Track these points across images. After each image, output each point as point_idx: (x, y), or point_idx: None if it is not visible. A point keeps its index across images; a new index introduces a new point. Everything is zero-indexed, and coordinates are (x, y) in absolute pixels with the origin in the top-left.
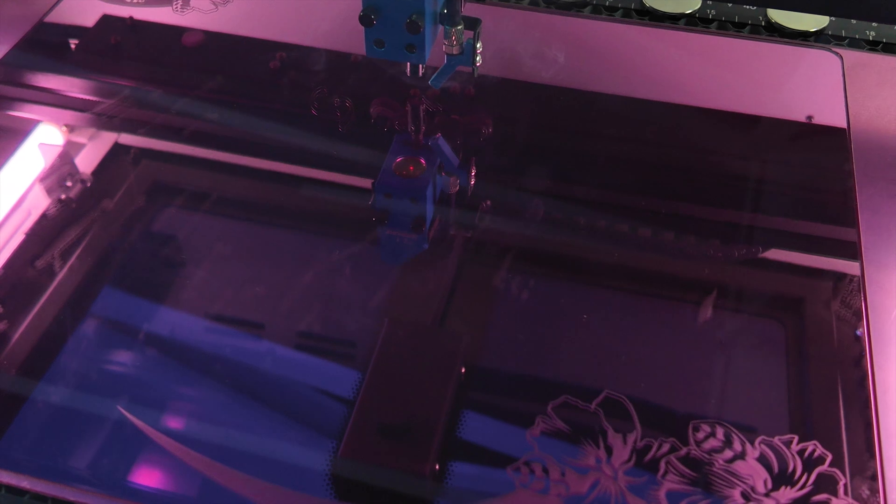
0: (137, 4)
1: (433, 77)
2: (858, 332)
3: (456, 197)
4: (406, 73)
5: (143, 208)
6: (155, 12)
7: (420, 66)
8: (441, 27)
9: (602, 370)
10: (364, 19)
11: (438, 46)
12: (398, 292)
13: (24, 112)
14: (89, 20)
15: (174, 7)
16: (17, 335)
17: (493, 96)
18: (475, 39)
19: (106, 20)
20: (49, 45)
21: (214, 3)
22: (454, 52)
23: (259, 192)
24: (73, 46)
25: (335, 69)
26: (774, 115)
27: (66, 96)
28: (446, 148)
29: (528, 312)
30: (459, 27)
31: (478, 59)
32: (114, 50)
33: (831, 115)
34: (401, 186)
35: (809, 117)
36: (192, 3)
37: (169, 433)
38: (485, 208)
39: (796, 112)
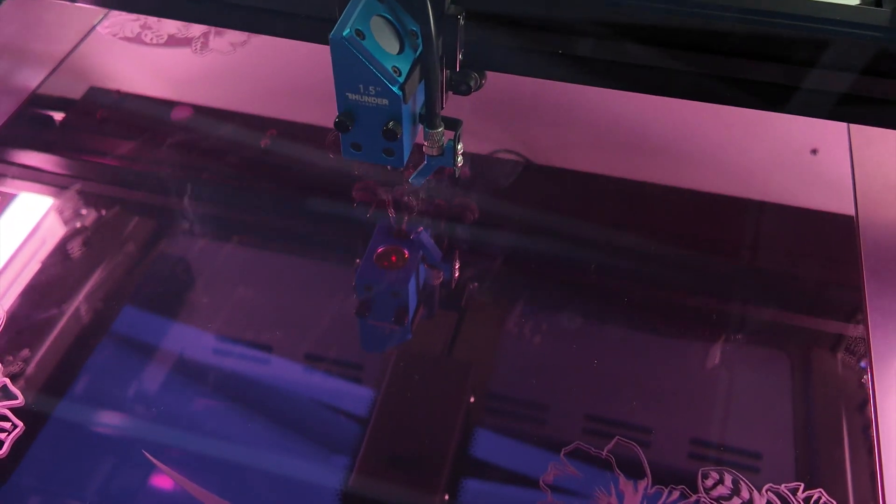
0: (157, 45)
1: (413, 175)
2: (863, 364)
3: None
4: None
5: (158, 236)
6: (172, 53)
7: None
8: (421, 126)
9: (612, 410)
10: (340, 125)
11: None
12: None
13: (46, 144)
14: (112, 54)
15: (193, 48)
16: (34, 361)
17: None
18: (456, 141)
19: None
20: (74, 80)
21: (233, 45)
22: (434, 154)
23: (276, 223)
24: (95, 82)
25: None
26: (779, 149)
27: (85, 130)
28: (429, 241)
29: (538, 352)
30: (440, 129)
31: (459, 159)
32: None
33: (835, 155)
34: (382, 278)
35: (814, 150)
36: (210, 44)
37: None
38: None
39: (802, 153)
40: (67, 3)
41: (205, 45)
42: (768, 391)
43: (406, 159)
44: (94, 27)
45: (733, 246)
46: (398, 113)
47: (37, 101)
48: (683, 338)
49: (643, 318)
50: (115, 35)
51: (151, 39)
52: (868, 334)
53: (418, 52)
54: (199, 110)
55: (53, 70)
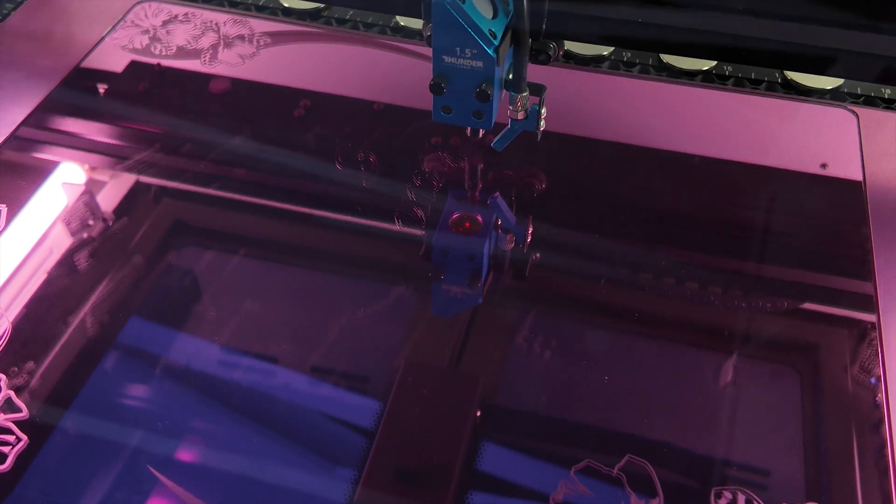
0: (166, 57)
1: (496, 140)
2: (873, 381)
3: (506, 253)
4: (467, 134)
5: (164, 247)
6: (181, 65)
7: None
8: (505, 92)
9: (623, 427)
10: (434, 87)
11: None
12: (416, 335)
13: (53, 154)
14: (120, 66)
15: (202, 60)
16: (38, 374)
17: (521, 149)
18: (540, 105)
19: (134, 66)
20: (83, 90)
21: (242, 57)
22: (519, 118)
23: (284, 234)
24: (103, 92)
25: (358, 117)
26: (790, 169)
27: (92, 140)
28: (504, 206)
29: (548, 363)
30: (525, 94)
31: (542, 123)
32: (142, 96)
33: (847, 171)
34: (457, 243)
35: (824, 165)
36: (219, 56)
37: (185, 470)
38: (535, 260)
39: (812, 168)
40: (76, 14)
41: (213, 56)
42: (782, 409)
43: (493, 123)
44: (102, 38)
45: (740, 263)
46: (491, 75)
47: (43, 112)
48: (696, 354)
49: (654, 333)
50: (124, 47)
51: (160, 51)
52: (882, 352)
53: (510, 18)
54: (206, 121)
55: (61, 82)
